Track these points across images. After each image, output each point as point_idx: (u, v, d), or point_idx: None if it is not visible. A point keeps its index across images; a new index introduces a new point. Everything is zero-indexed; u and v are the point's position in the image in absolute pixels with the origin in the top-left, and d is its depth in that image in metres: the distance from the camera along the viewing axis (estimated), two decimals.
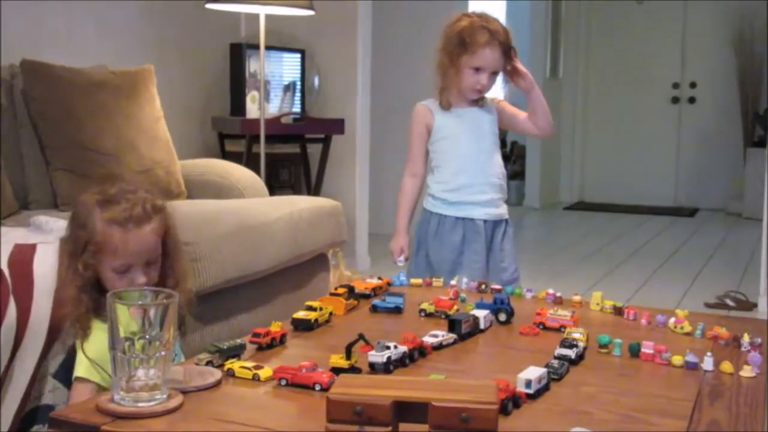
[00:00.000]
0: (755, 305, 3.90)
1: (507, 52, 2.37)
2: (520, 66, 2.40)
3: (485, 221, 2.41)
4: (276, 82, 4.29)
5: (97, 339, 1.56)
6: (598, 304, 1.91)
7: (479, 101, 2.46)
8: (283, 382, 1.32)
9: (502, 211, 2.47)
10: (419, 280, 2.13)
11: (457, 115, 2.44)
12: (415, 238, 2.49)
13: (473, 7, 6.10)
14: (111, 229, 1.56)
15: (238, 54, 4.13)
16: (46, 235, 2.08)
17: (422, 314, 1.80)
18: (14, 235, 2.07)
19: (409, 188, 2.51)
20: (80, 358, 1.59)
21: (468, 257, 2.38)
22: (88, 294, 1.57)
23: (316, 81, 4.56)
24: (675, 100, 8.01)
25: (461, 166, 2.41)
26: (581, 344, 1.51)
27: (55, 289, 1.80)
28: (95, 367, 1.56)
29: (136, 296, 1.29)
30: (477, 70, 2.36)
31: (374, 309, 1.84)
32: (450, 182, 2.42)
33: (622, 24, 8.07)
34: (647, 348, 1.52)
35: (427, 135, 2.46)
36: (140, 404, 1.20)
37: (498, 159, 2.47)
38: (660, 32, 7.95)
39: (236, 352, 1.44)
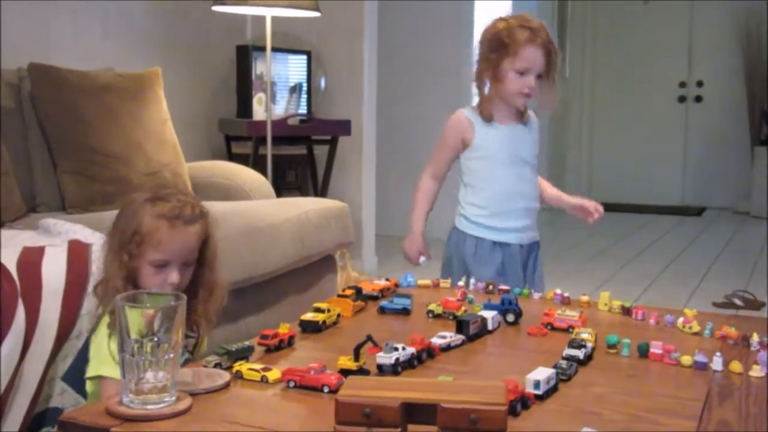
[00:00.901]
0: (764, 304, 3.89)
1: (550, 52, 2.22)
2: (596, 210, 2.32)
3: (521, 246, 2.32)
4: (282, 84, 4.29)
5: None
6: (606, 304, 1.90)
7: (523, 116, 2.33)
8: (292, 384, 1.32)
9: (536, 233, 2.37)
10: (427, 281, 2.12)
11: (498, 132, 2.29)
12: (452, 259, 2.37)
13: (479, 8, 6.10)
14: (159, 223, 1.61)
15: (244, 56, 4.14)
16: (54, 238, 2.08)
17: (430, 315, 1.80)
18: (22, 238, 2.07)
19: (428, 189, 2.38)
20: (105, 355, 1.60)
21: (508, 279, 2.25)
22: (132, 287, 1.61)
23: (323, 82, 4.57)
24: (682, 99, 8.00)
25: (500, 192, 2.29)
26: (589, 344, 1.51)
27: (64, 291, 1.80)
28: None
29: (145, 299, 1.29)
30: (521, 73, 2.20)
31: (382, 310, 1.84)
32: (486, 207, 2.30)
33: (629, 23, 8.06)
34: (656, 348, 1.52)
35: (462, 148, 2.31)
36: (149, 407, 1.21)
37: (536, 183, 2.37)
38: (666, 31, 7.94)
39: (244, 354, 1.44)
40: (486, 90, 2.28)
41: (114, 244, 1.65)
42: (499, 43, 2.21)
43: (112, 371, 1.57)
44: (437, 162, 2.37)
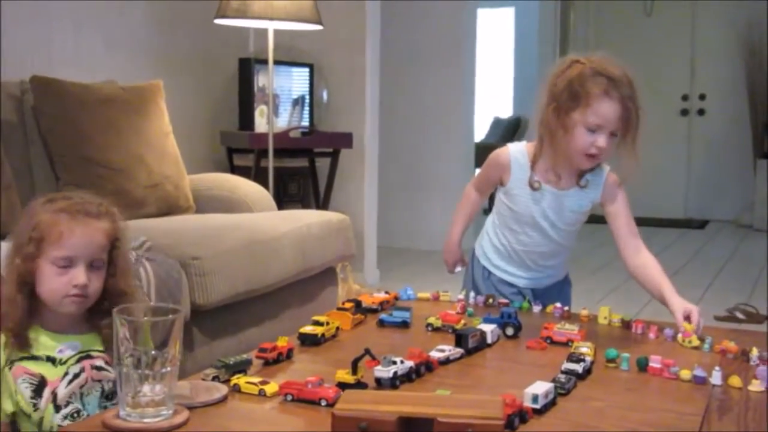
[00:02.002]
0: (766, 318, 3.88)
1: (629, 109, 1.91)
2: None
3: (533, 289, 2.17)
4: (285, 97, 4.30)
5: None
6: (605, 317, 1.90)
7: (581, 178, 2.03)
8: (289, 398, 1.32)
9: (558, 275, 2.20)
10: (427, 294, 2.12)
11: (536, 193, 2.03)
12: (468, 275, 2.25)
13: (481, 21, 6.11)
14: (58, 217, 1.47)
15: (246, 69, 4.15)
16: None
17: (429, 328, 1.80)
18: None
19: (470, 198, 2.21)
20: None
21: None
22: (25, 296, 1.46)
23: (325, 95, 4.58)
24: (684, 112, 8.00)
25: (517, 247, 2.12)
26: (589, 358, 1.51)
27: None
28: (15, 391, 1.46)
29: (141, 312, 1.29)
30: (592, 130, 1.91)
31: (381, 323, 1.84)
32: (501, 251, 2.16)
33: (631, 36, 8.07)
34: (655, 362, 1.51)
35: (500, 184, 2.10)
36: (146, 420, 1.21)
37: (566, 244, 2.12)
38: (669, 44, 7.95)
39: (242, 368, 1.44)
40: (549, 142, 1.98)
41: (10, 251, 1.49)
42: (570, 92, 1.91)
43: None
44: (480, 180, 2.20)
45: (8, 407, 1.45)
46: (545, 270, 2.17)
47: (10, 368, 1.46)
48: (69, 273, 1.46)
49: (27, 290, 1.47)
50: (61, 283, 1.46)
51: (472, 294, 2.08)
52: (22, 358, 1.46)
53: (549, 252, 2.12)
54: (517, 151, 2.06)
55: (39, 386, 1.45)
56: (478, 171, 2.25)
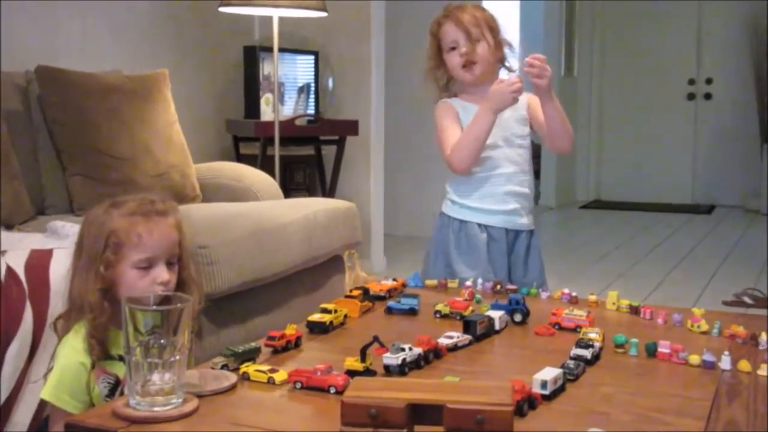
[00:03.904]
0: None
1: (462, 22, 2.27)
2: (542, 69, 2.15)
3: (507, 230, 2.32)
4: (290, 84, 4.29)
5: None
6: (614, 303, 1.90)
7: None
8: (298, 385, 1.32)
9: (527, 221, 2.36)
10: (434, 282, 2.12)
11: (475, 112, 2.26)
12: (434, 245, 2.38)
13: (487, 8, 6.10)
14: (133, 219, 1.51)
15: (251, 57, 4.14)
16: (62, 240, 2.09)
17: (437, 316, 1.80)
18: (31, 241, 2.08)
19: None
20: (58, 380, 1.49)
21: (492, 264, 2.29)
22: (109, 302, 1.50)
23: (330, 82, 4.57)
24: (691, 96, 7.97)
25: (484, 174, 2.30)
26: (597, 344, 1.51)
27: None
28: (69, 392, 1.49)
29: (150, 300, 1.29)
30: (452, 48, 2.30)
31: (389, 311, 1.84)
32: (470, 188, 2.31)
33: (637, 21, 8.04)
34: (664, 347, 1.51)
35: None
36: (156, 408, 1.21)
37: (525, 167, 2.36)
38: (675, 28, 7.91)
39: (251, 356, 1.44)
40: (440, 84, 2.40)
41: (82, 263, 1.53)
42: (431, 38, 2.36)
43: (61, 401, 1.49)
44: (455, 130, 2.29)
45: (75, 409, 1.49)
46: (514, 200, 2.31)
47: (92, 369, 1.50)
48: (151, 273, 1.52)
49: (110, 296, 1.51)
50: (145, 283, 1.51)
51: (479, 281, 2.08)
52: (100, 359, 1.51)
53: (513, 172, 2.31)
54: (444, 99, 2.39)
55: (114, 386, 1.50)
56: (446, 141, 2.31)
